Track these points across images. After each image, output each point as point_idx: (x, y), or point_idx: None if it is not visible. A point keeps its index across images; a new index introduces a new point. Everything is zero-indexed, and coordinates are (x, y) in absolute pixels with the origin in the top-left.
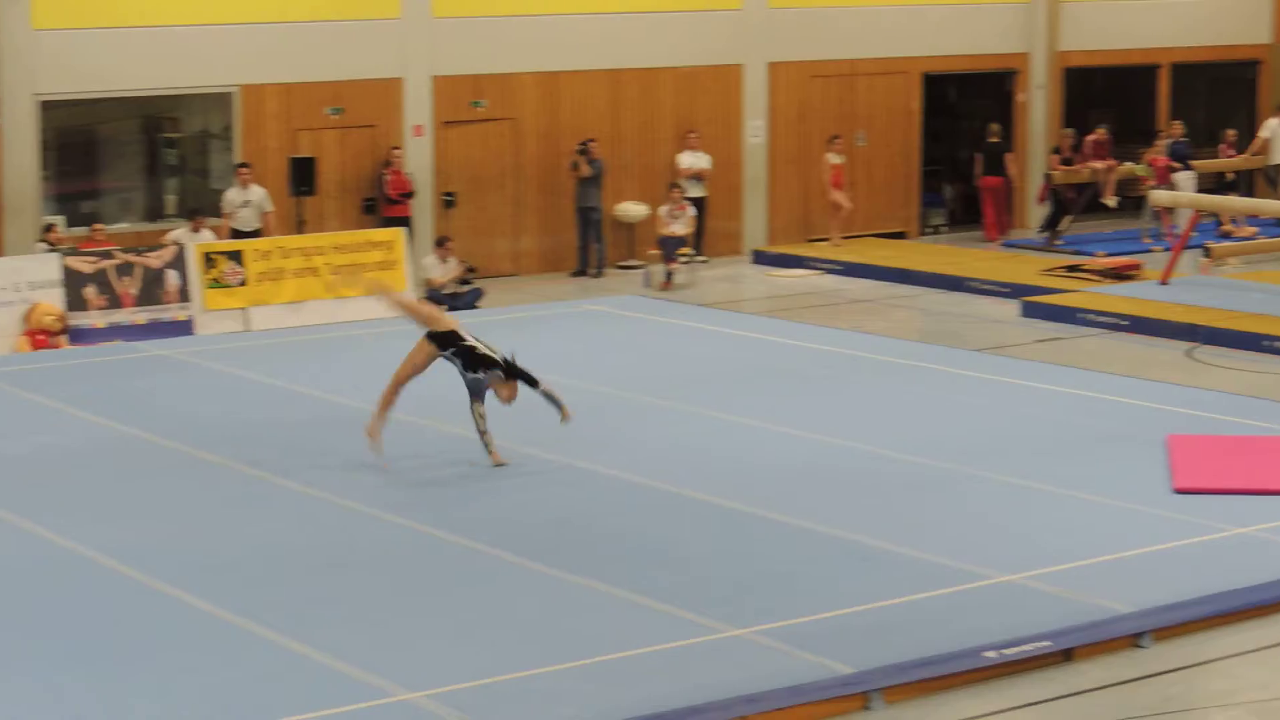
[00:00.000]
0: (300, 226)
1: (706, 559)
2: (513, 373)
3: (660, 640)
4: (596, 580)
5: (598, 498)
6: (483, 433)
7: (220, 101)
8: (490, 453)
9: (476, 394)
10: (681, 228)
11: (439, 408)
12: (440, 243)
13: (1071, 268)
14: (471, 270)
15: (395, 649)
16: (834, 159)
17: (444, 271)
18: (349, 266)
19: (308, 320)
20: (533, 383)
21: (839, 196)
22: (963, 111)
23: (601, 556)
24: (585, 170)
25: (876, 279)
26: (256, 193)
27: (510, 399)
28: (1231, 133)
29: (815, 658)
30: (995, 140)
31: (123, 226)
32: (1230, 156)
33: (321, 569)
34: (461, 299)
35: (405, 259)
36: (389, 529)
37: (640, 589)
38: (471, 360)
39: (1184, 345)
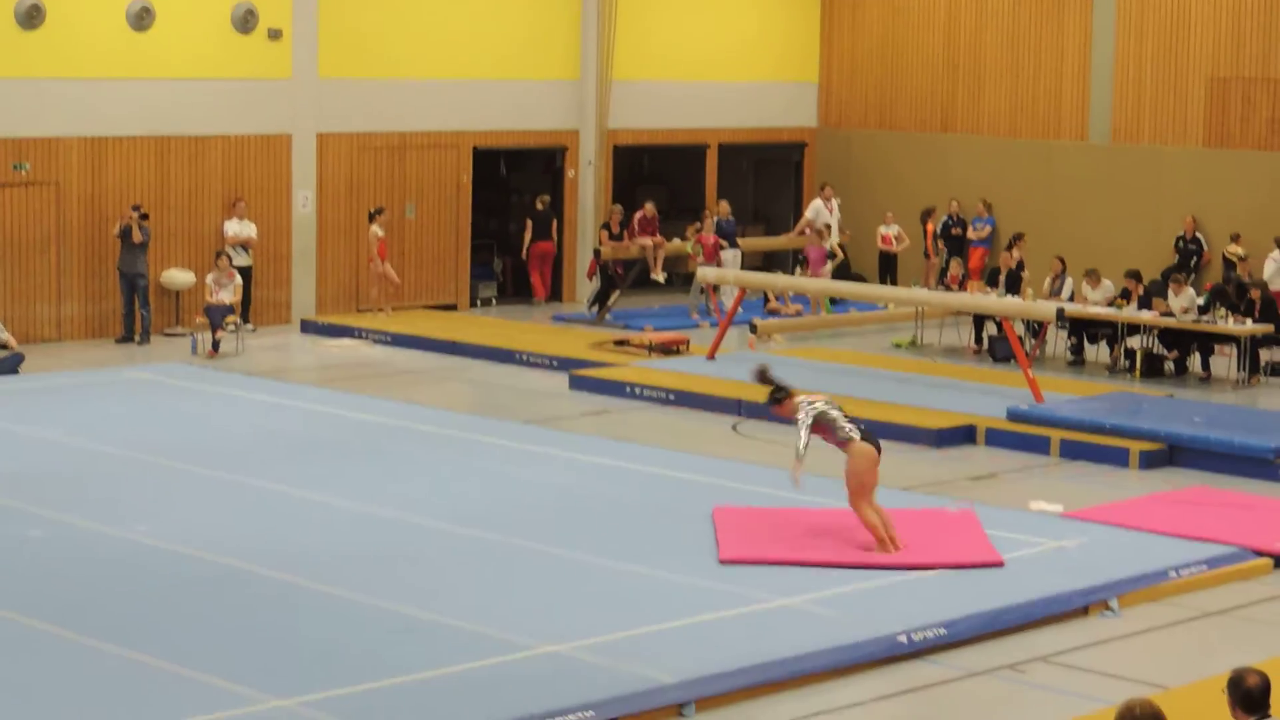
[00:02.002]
0: None
1: (249, 629)
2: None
3: (201, 712)
4: (136, 650)
5: (138, 566)
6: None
7: None
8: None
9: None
10: (229, 296)
11: None
12: None
13: (620, 342)
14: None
15: None
16: (378, 232)
17: None
18: None
19: None
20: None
21: (388, 269)
22: (514, 186)
23: (140, 626)
24: (138, 236)
25: (426, 350)
26: None
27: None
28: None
29: None
30: (543, 208)
31: None
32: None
33: None
34: (1, 364)
35: None
36: None
37: (180, 659)
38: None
39: (729, 419)
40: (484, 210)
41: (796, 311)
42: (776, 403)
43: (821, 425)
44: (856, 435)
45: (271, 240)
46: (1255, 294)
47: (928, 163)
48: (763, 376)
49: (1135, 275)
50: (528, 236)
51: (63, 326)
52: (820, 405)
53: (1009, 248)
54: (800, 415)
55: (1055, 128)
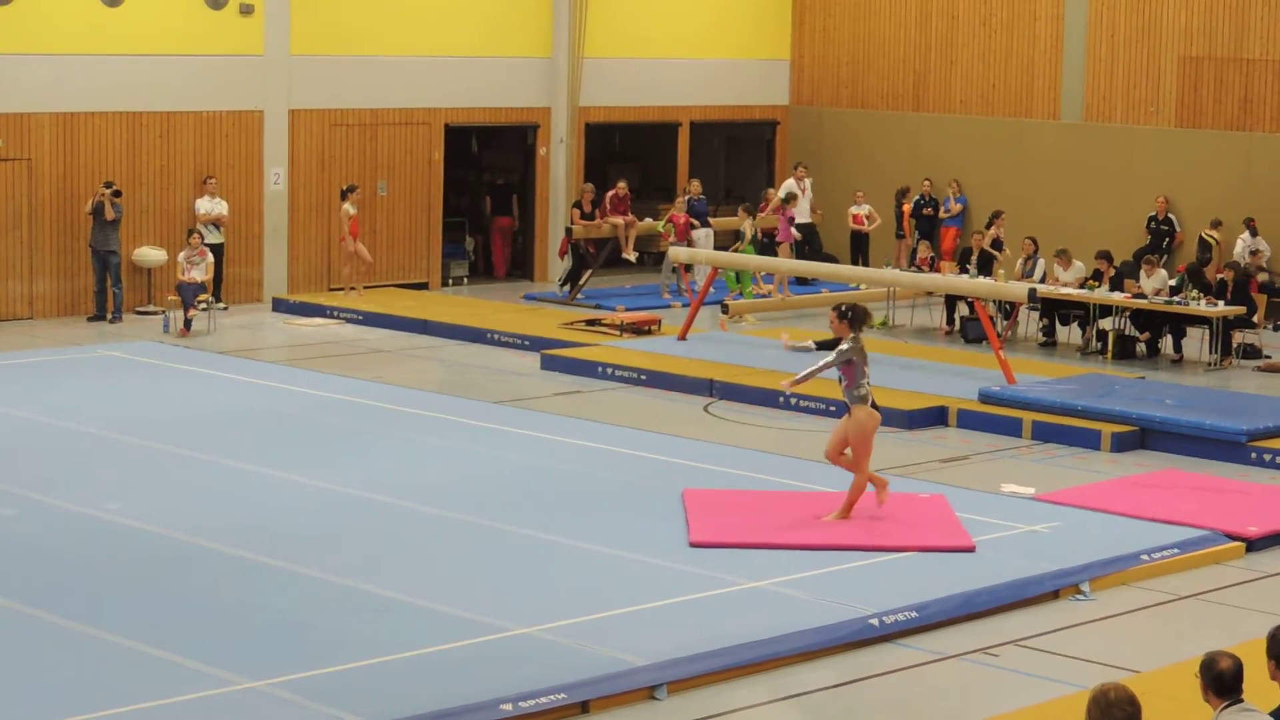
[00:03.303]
0: None
1: (220, 609)
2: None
3: (172, 693)
4: (105, 630)
5: (109, 546)
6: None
7: None
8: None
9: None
10: (200, 274)
11: None
12: None
13: (591, 322)
14: None
15: None
16: (350, 209)
17: None
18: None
19: None
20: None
21: (360, 248)
22: (486, 164)
23: (111, 605)
24: (110, 213)
25: (397, 329)
26: None
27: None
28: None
29: (331, 710)
30: (503, 183)
31: None
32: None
33: None
34: None
35: None
36: None
37: (151, 639)
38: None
39: (701, 400)
40: (456, 189)
41: (768, 292)
42: (841, 317)
43: (852, 363)
44: (870, 400)
45: (243, 218)
46: (1228, 275)
47: (899, 141)
48: (854, 309)
49: (1106, 256)
50: (488, 211)
51: (34, 304)
52: (860, 354)
53: (988, 225)
54: (844, 344)
55: (1027, 106)
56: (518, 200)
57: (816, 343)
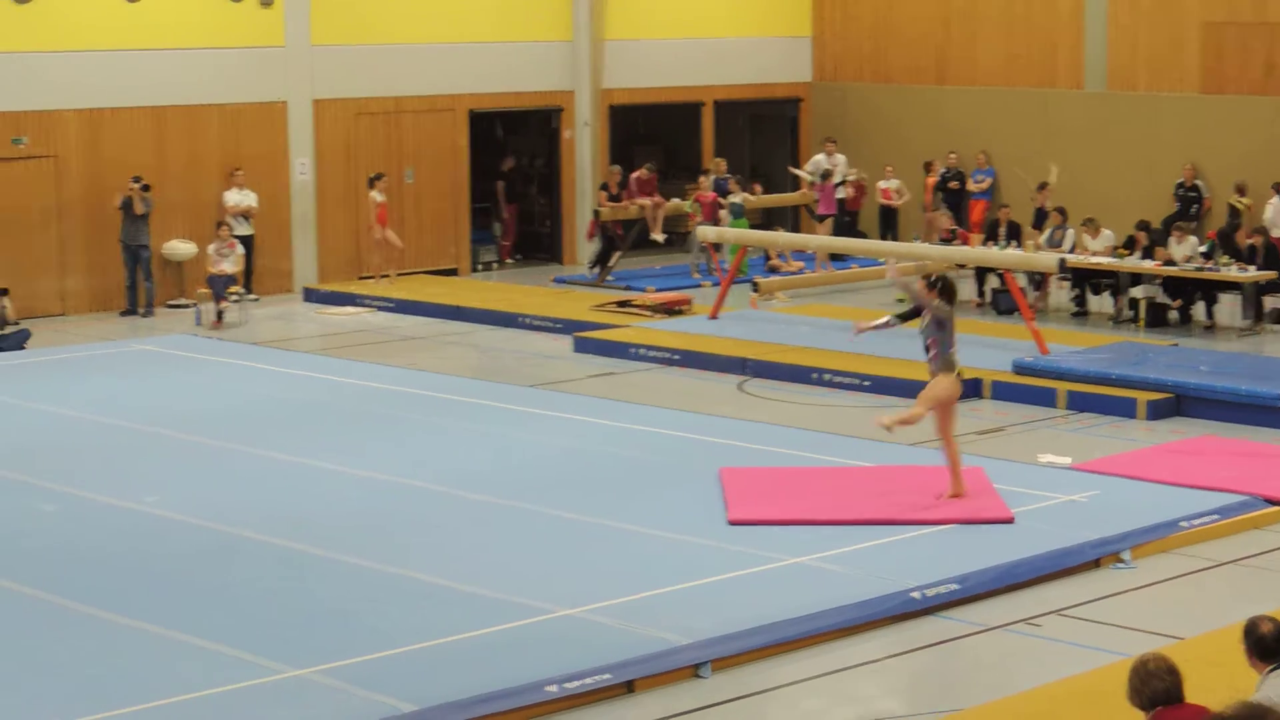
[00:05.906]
0: None
1: (263, 599)
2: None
3: (219, 682)
4: (149, 622)
5: (149, 538)
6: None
7: None
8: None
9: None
10: (231, 266)
11: None
12: None
13: (622, 303)
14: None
15: None
16: (378, 197)
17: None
18: None
19: None
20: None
21: (390, 234)
22: (511, 149)
23: (155, 598)
24: (140, 208)
25: (429, 316)
26: None
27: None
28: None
29: (377, 696)
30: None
31: None
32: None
33: None
34: (8, 340)
35: None
36: None
37: (196, 630)
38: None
39: (734, 379)
40: (484, 174)
41: (798, 269)
42: (930, 286)
43: (945, 324)
44: (955, 368)
45: (271, 209)
46: (1257, 240)
47: (923, 115)
48: (944, 279)
49: (1144, 225)
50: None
51: (67, 300)
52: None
53: (1038, 191)
54: (936, 302)
55: (1051, 76)
56: (506, 185)
57: (897, 315)
